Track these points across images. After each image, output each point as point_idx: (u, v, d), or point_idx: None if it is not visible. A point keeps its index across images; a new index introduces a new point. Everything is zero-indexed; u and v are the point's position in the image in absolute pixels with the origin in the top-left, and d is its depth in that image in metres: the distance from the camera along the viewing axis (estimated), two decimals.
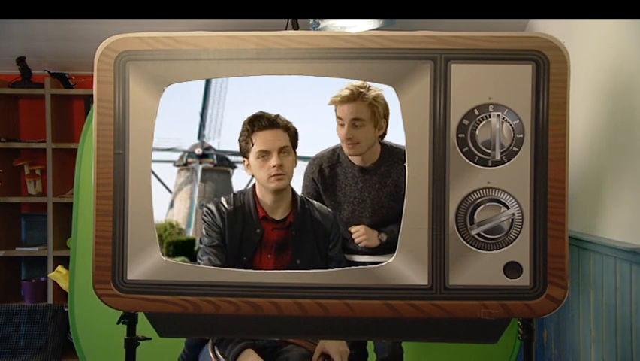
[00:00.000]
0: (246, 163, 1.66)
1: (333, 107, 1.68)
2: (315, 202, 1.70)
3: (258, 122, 1.62)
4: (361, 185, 1.71)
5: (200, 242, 1.67)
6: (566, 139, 1.41)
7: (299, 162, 1.69)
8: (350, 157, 1.72)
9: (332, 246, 1.70)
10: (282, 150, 1.62)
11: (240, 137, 1.65)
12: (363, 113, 1.65)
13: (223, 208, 1.66)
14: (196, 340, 1.91)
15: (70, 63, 3.84)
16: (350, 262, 1.73)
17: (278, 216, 1.66)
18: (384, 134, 1.70)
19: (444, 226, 1.42)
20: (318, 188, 1.73)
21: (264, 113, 1.63)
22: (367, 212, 1.71)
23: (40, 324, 3.65)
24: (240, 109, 1.65)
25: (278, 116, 1.63)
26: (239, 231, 1.65)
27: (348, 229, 1.71)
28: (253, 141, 1.62)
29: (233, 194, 1.69)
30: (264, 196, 1.66)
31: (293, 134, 1.65)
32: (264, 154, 1.62)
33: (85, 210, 2.73)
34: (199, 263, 1.64)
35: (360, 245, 1.70)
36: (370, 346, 2.25)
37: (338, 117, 1.67)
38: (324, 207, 1.71)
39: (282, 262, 1.65)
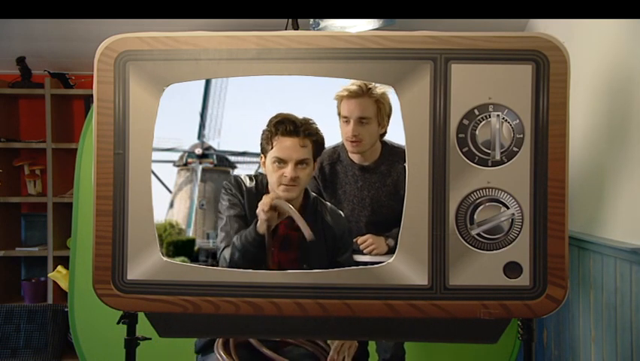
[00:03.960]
0: (262, 160, 1.61)
1: (333, 106, 1.68)
2: (328, 204, 1.66)
3: (282, 126, 1.55)
4: (361, 184, 1.71)
5: (221, 214, 1.61)
6: (566, 139, 1.41)
7: None
8: (351, 155, 1.71)
9: (342, 252, 1.66)
10: (299, 162, 1.56)
11: (262, 133, 1.58)
12: (370, 110, 1.64)
13: (244, 184, 1.60)
14: (202, 345, 1.90)
15: (70, 63, 3.84)
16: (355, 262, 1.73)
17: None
18: (385, 132, 1.70)
19: (444, 226, 1.42)
20: (319, 185, 1.73)
21: (291, 116, 1.56)
22: (367, 211, 1.71)
23: (40, 324, 3.65)
24: (239, 109, 1.65)
25: (305, 123, 1.56)
26: (255, 209, 1.57)
27: (354, 240, 1.69)
28: (273, 143, 1.55)
29: (254, 175, 1.63)
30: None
31: (317, 145, 1.58)
32: (280, 162, 1.56)
33: (85, 210, 2.73)
34: (223, 237, 1.60)
35: (370, 255, 1.68)
36: (372, 346, 2.25)
37: (343, 114, 1.65)
38: (338, 210, 1.67)
39: (285, 259, 1.62)
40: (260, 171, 1.65)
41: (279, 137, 1.55)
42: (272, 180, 1.58)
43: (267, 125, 1.57)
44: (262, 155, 1.60)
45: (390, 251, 1.62)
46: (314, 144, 1.57)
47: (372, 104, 1.64)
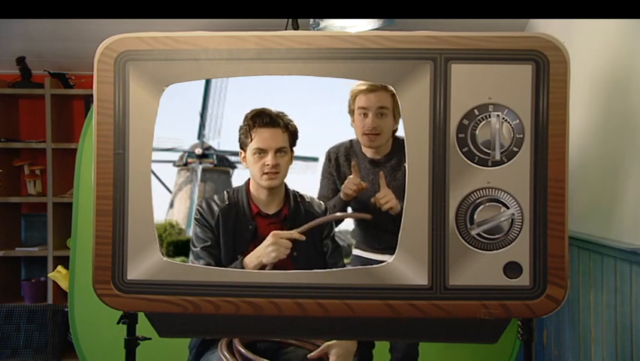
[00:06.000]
0: (242, 155, 1.68)
1: (336, 106, 1.68)
2: (306, 195, 1.72)
3: (260, 119, 1.63)
4: (372, 177, 1.71)
5: (193, 243, 1.67)
6: (566, 139, 1.41)
7: (296, 162, 1.69)
8: (364, 150, 1.72)
9: (325, 236, 1.71)
10: (278, 150, 1.63)
11: (240, 129, 1.65)
12: (387, 102, 1.66)
13: (215, 206, 1.67)
14: (199, 348, 1.90)
15: (71, 63, 3.84)
16: (357, 257, 1.73)
17: (271, 211, 1.68)
18: (397, 129, 1.71)
19: (444, 226, 1.42)
20: (335, 178, 1.73)
21: (266, 110, 1.64)
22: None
23: (40, 324, 3.65)
24: (239, 109, 1.65)
25: (280, 114, 1.64)
26: (231, 228, 1.66)
27: (372, 200, 1.68)
28: (252, 136, 1.63)
29: (226, 191, 1.70)
30: (258, 191, 1.67)
31: (292, 134, 1.65)
32: (261, 152, 1.63)
33: (85, 210, 2.73)
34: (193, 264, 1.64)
35: (385, 207, 1.66)
36: (385, 346, 2.25)
37: (361, 107, 1.66)
38: (316, 200, 1.72)
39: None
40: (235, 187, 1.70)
41: (257, 129, 1.63)
42: (254, 171, 1.65)
43: (244, 121, 1.64)
44: (241, 150, 1.67)
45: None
46: (290, 134, 1.65)
47: (389, 98, 1.65)
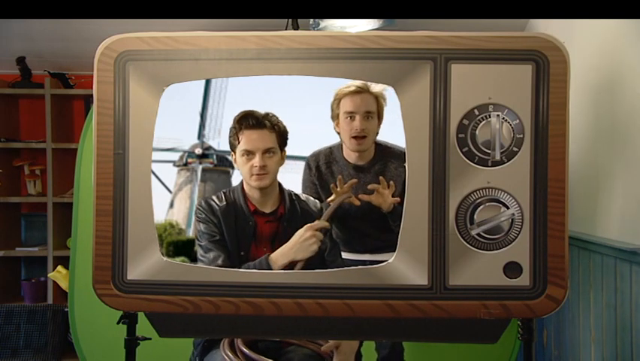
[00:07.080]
0: (233, 157, 1.70)
1: (330, 106, 1.68)
2: (302, 195, 1.73)
3: (245, 121, 1.64)
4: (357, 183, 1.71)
5: (199, 240, 1.67)
6: (566, 139, 1.41)
7: (290, 161, 1.70)
8: (346, 155, 1.72)
9: (323, 233, 1.70)
10: (266, 151, 1.64)
11: (229, 132, 1.67)
12: (373, 105, 1.67)
13: (215, 205, 1.68)
14: (204, 344, 1.91)
15: (70, 63, 3.84)
16: (350, 261, 1.73)
17: (268, 210, 1.69)
18: (378, 132, 1.71)
19: (444, 226, 1.42)
20: (317, 186, 1.74)
21: (252, 112, 1.65)
22: (362, 210, 1.71)
23: (40, 324, 3.65)
24: (240, 109, 1.65)
25: (266, 115, 1.64)
26: (233, 226, 1.68)
27: (365, 191, 1.68)
28: (240, 138, 1.65)
29: (223, 191, 1.71)
30: (251, 191, 1.69)
31: (281, 135, 1.66)
32: (248, 153, 1.64)
33: (85, 210, 2.73)
34: (202, 261, 1.64)
35: (375, 201, 1.66)
36: (369, 346, 2.25)
37: (347, 111, 1.67)
38: (312, 198, 1.73)
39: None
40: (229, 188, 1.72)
41: (244, 131, 1.65)
42: (244, 172, 1.67)
43: (232, 123, 1.66)
44: (232, 152, 1.69)
45: (394, 211, 1.62)
46: (278, 134, 1.66)
47: (374, 101, 1.66)
